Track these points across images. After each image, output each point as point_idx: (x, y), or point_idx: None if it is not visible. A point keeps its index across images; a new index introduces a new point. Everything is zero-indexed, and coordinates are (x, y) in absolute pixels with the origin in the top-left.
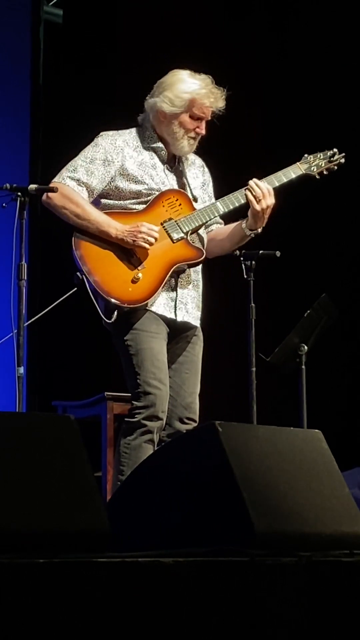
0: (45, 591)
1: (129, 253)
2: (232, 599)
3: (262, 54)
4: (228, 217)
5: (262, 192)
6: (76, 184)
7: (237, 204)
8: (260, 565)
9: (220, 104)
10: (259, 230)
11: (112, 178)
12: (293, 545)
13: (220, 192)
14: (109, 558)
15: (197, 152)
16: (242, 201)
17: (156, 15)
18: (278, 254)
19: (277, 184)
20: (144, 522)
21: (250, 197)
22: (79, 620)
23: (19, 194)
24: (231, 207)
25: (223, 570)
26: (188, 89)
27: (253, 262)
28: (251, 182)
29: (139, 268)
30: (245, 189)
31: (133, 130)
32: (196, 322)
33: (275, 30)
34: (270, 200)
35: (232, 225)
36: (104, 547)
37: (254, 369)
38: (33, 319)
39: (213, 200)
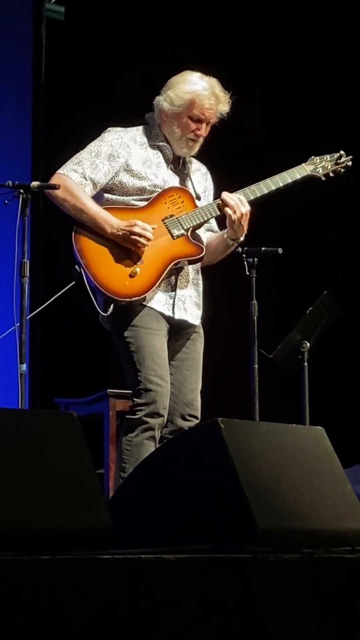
0: (47, 588)
1: (128, 248)
2: (234, 596)
3: (262, 54)
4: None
5: (235, 203)
6: (80, 176)
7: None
8: (263, 562)
9: (224, 108)
10: (241, 238)
11: (116, 173)
12: (295, 542)
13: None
14: (111, 555)
15: (199, 152)
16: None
17: (157, 13)
18: (280, 251)
19: (273, 188)
20: (147, 519)
21: (227, 211)
22: (81, 616)
23: (21, 191)
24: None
25: (225, 567)
26: (189, 89)
27: (255, 259)
28: (223, 196)
29: (138, 263)
30: (217, 204)
31: (140, 127)
32: (195, 321)
33: (275, 30)
34: (244, 209)
35: (216, 237)
36: (106, 544)
37: (256, 365)
38: (34, 313)
39: None
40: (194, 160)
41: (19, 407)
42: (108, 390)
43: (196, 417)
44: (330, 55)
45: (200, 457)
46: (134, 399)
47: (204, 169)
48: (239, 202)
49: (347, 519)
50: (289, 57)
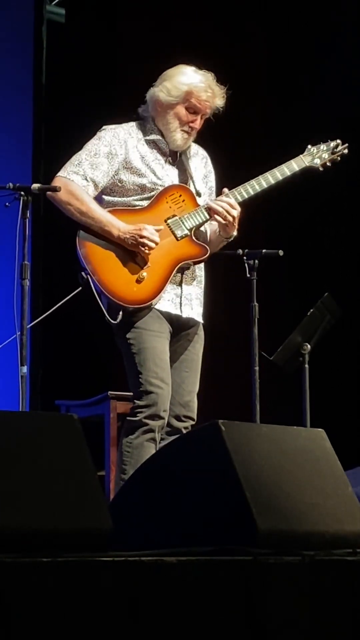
0: (48, 590)
1: (133, 252)
2: (235, 598)
3: (263, 48)
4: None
5: (224, 209)
6: (81, 178)
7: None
8: (264, 564)
9: (219, 102)
10: (234, 234)
11: (116, 172)
12: (296, 544)
13: (225, 186)
14: (112, 557)
15: (204, 145)
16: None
17: (157, 13)
18: (281, 253)
19: (273, 182)
20: (147, 521)
21: (215, 217)
22: (82, 619)
23: (22, 193)
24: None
25: (226, 569)
26: (186, 81)
27: (256, 261)
28: (210, 204)
29: (144, 267)
30: (206, 209)
31: (135, 122)
32: (199, 319)
33: (275, 24)
34: (235, 212)
35: (213, 232)
36: (106, 546)
37: (257, 367)
38: (37, 320)
39: (214, 193)
40: (192, 144)
41: (20, 409)
42: (109, 392)
43: (192, 419)
44: (331, 48)
45: (201, 459)
46: (135, 401)
47: (202, 152)
48: (228, 207)
49: (348, 521)
50: (291, 49)
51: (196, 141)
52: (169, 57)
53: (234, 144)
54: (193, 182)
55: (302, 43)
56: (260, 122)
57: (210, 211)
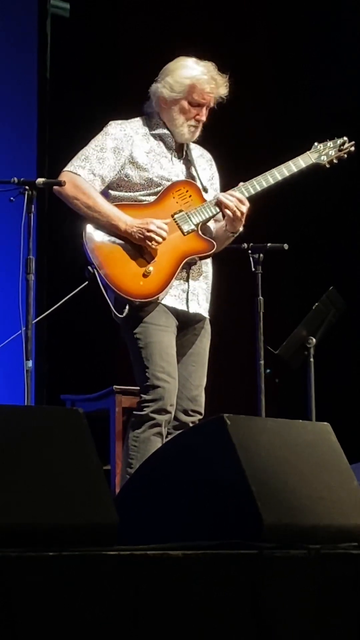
0: (54, 584)
1: (140, 246)
2: (240, 592)
3: (267, 42)
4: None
5: (234, 204)
6: (88, 173)
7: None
8: (269, 558)
9: (223, 91)
10: (240, 229)
11: (122, 166)
12: (302, 538)
13: (229, 184)
14: (118, 551)
15: (207, 142)
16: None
17: (161, 7)
18: (286, 246)
19: (280, 178)
20: (153, 515)
21: (225, 212)
22: (87, 612)
23: (27, 187)
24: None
25: (232, 563)
26: (188, 74)
27: (261, 255)
28: (220, 198)
29: (150, 262)
30: (215, 202)
31: (141, 118)
32: (206, 314)
33: (279, 17)
34: (244, 207)
35: (219, 229)
36: (112, 540)
37: (262, 362)
38: (43, 316)
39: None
40: (196, 146)
41: (25, 404)
42: (114, 386)
43: (199, 413)
44: (335, 44)
45: (207, 453)
46: (142, 395)
47: (207, 155)
48: (237, 203)
49: (353, 515)
50: (295, 45)
51: (201, 142)
52: (173, 51)
53: (239, 142)
54: (199, 178)
55: (307, 38)
56: (265, 120)
57: (221, 205)
